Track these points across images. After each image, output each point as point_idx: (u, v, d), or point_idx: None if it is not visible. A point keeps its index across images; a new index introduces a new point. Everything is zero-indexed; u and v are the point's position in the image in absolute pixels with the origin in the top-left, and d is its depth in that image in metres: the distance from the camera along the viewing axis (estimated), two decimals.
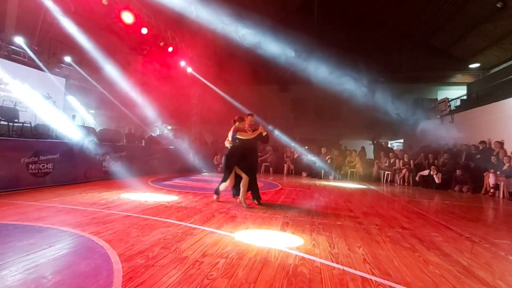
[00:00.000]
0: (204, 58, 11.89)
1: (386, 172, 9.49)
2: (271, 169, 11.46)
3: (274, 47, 13.57)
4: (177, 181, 7.18)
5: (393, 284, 1.85)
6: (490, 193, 7.02)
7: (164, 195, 4.91)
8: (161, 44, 10.18)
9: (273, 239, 2.69)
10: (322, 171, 10.19)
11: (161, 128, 12.81)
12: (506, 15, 9.41)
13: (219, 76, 12.74)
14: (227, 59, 12.76)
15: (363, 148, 11.63)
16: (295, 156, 11.33)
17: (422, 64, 13.91)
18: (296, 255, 2.29)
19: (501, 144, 7.49)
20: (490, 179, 7.03)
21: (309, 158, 10.87)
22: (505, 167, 6.85)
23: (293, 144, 12.23)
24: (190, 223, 3.11)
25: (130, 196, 4.54)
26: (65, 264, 1.91)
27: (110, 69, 10.65)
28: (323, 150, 10.75)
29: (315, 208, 4.38)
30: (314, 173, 10.29)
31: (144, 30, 9.06)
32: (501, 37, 10.79)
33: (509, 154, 7.08)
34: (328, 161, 10.21)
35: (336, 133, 14.90)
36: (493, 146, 7.73)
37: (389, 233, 3.12)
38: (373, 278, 1.94)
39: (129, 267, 1.90)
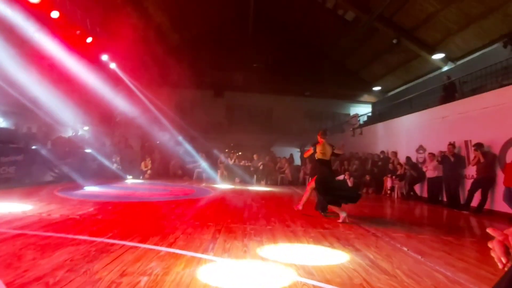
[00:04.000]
0: (129, 54, 10.83)
1: (310, 177, 10.43)
2: (204, 175, 11.19)
3: (209, 51, 13.43)
4: (94, 189, 6.26)
5: (315, 283, 1.99)
6: (388, 194, 8.49)
7: (74, 206, 4.18)
8: (78, 32, 8.83)
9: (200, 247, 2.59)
10: (255, 177, 10.50)
11: (75, 129, 10.98)
12: (400, 49, 11.74)
13: (147, 76, 11.81)
14: (157, 59, 12.00)
15: (291, 155, 12.51)
16: (230, 162, 11.37)
17: (338, 82, 15.89)
18: (228, 264, 2.25)
19: (395, 153, 9.15)
20: (388, 182, 8.52)
21: (243, 164, 11.08)
22: (398, 173, 8.41)
23: (226, 150, 12.26)
24: (107, 238, 2.71)
25: (26, 209, 3.70)
26: None
27: (9, 55, 8.62)
28: (256, 156, 11.12)
29: (247, 214, 4.44)
30: (247, 179, 10.51)
31: (55, 14, 7.69)
32: (395, 66, 13.37)
33: (401, 162, 8.71)
34: (261, 167, 10.60)
35: (268, 139, 15.65)
36: (389, 155, 9.39)
37: (312, 234, 3.39)
38: (299, 278, 2.05)
39: None
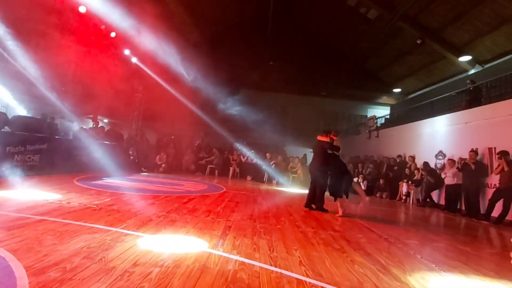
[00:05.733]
0: (150, 49, 11.06)
1: None
2: (216, 171, 11.31)
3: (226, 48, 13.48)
4: (111, 180, 6.49)
5: (324, 285, 1.98)
6: (402, 200, 8.24)
7: (92, 196, 4.36)
8: (103, 27, 9.12)
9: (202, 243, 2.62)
10: (266, 176, 10.50)
11: (95, 121, 11.40)
12: (423, 50, 11.29)
13: (166, 71, 12.03)
14: (177, 54, 12.19)
15: (304, 155, 12.39)
16: (243, 159, 11.43)
17: (356, 83, 15.51)
18: (236, 260, 2.27)
19: (413, 158, 8.86)
20: (403, 188, 8.27)
21: (255, 162, 11.11)
22: (415, 178, 8.14)
23: (239, 147, 12.32)
24: (122, 228, 2.81)
25: (47, 196, 3.90)
26: None
27: (35, 47, 9.03)
28: (268, 155, 11.11)
29: (257, 212, 4.45)
30: (258, 177, 10.53)
31: (83, 9, 7.99)
32: (418, 68, 12.87)
33: (418, 167, 8.42)
34: (273, 166, 10.58)
35: (281, 139, 15.54)
36: (407, 159, 9.10)
37: (323, 236, 3.36)
38: (307, 279, 2.04)
39: (38, 283, 1.60)
